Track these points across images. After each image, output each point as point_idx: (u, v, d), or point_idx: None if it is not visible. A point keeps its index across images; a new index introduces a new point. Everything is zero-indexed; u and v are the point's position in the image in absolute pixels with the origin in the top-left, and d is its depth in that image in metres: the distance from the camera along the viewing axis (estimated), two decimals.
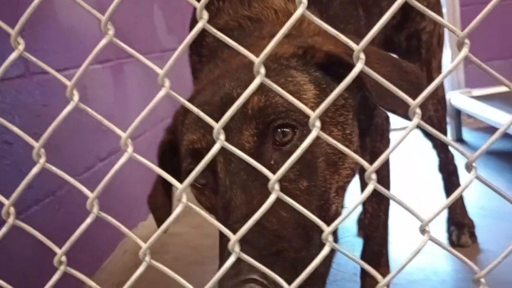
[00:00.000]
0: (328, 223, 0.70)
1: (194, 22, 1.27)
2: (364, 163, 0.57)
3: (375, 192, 1.47)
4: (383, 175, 1.44)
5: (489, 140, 0.54)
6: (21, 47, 0.58)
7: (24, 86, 1.71)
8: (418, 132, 3.27)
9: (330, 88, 0.92)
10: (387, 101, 0.81)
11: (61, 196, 1.84)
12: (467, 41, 0.54)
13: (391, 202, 2.15)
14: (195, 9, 1.26)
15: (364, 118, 1.29)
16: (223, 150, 0.80)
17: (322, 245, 0.88)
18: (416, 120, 0.55)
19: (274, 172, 0.59)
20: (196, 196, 0.98)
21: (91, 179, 2.01)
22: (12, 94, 1.64)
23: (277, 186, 0.58)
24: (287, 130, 0.85)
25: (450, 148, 2.04)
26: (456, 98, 3.22)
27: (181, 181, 0.95)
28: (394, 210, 2.31)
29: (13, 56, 0.58)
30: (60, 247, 0.62)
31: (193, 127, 0.91)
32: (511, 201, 0.55)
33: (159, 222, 1.13)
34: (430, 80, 1.87)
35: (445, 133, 1.99)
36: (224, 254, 0.81)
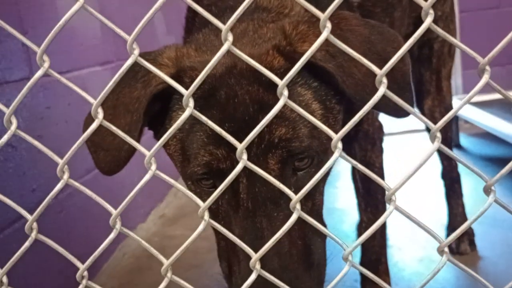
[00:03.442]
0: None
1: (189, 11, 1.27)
2: (385, 185, 0.58)
3: (370, 202, 1.47)
4: (379, 197, 1.44)
5: (509, 164, 0.55)
6: (46, 64, 0.58)
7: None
8: (421, 137, 3.30)
9: (329, 98, 0.93)
10: (368, 100, 0.81)
11: (62, 199, 1.84)
12: (488, 68, 0.55)
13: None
14: None
15: None
16: (246, 171, 0.82)
17: (320, 269, 0.94)
18: (437, 144, 0.56)
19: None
20: (196, 191, 0.94)
21: (93, 181, 2.01)
22: (15, 96, 1.63)
23: (298, 206, 0.59)
24: (306, 158, 0.89)
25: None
26: (454, 103, 3.23)
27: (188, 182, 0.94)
28: (397, 217, 2.32)
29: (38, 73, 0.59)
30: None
31: (217, 140, 0.87)
32: None
33: (105, 165, 0.94)
34: (439, 88, 1.89)
35: (450, 142, 2.01)
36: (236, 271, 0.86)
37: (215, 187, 0.90)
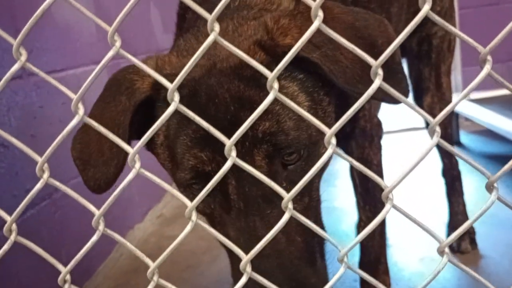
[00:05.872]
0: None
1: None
2: (382, 183, 0.55)
3: (369, 200, 1.44)
4: (377, 195, 1.40)
5: (511, 161, 0.52)
6: (23, 58, 0.55)
7: (20, 87, 1.68)
8: (420, 135, 3.28)
9: (316, 90, 0.91)
10: (359, 87, 0.77)
11: (57, 198, 1.82)
12: (489, 58, 0.52)
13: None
14: None
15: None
16: (234, 172, 0.79)
17: (322, 263, 0.90)
18: (436, 139, 0.53)
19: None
20: (189, 197, 0.93)
21: None
22: (8, 95, 1.61)
23: (290, 205, 0.56)
24: (294, 152, 0.86)
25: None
26: (454, 100, 3.21)
27: (179, 187, 0.92)
28: (396, 216, 2.31)
29: (15, 67, 0.56)
30: (57, 250, 0.60)
31: (201, 143, 0.86)
32: None
33: (94, 183, 0.91)
34: (439, 84, 1.86)
35: (450, 139, 1.98)
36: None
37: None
